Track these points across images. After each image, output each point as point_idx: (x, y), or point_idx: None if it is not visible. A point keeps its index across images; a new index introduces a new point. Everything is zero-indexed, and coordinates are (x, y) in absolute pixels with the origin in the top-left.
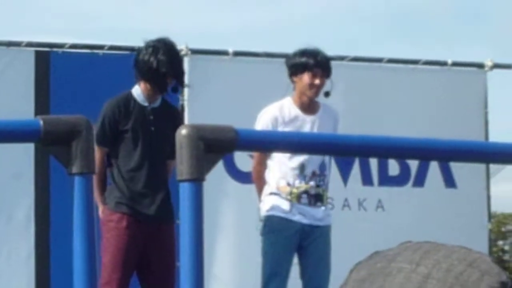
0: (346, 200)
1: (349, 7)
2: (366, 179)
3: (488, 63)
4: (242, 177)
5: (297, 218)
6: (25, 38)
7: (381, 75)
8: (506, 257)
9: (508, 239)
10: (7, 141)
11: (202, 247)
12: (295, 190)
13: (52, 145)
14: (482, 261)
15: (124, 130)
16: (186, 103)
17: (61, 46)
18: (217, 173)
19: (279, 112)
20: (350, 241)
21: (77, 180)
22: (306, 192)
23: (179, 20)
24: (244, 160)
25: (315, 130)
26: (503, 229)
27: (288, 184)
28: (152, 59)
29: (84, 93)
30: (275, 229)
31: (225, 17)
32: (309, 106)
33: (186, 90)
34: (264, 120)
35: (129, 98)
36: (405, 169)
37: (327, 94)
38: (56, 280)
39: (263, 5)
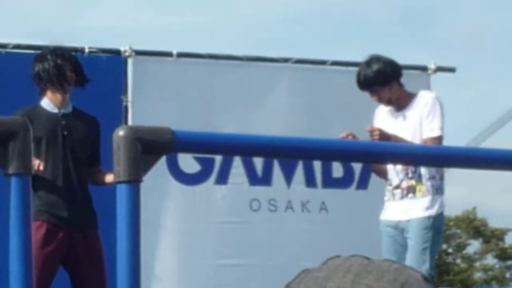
0: (289, 202)
1: (297, 10)
2: (310, 181)
3: (432, 66)
4: (185, 178)
5: None
6: None
7: (325, 77)
8: (449, 259)
9: (451, 242)
10: None
11: (139, 248)
12: None
13: None
14: (414, 280)
15: (36, 137)
16: (130, 104)
17: (4, 46)
18: (160, 174)
19: (376, 114)
20: (293, 243)
21: (13, 180)
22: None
23: (122, 21)
24: (187, 161)
25: (400, 128)
26: (447, 232)
27: None
28: (44, 64)
29: (27, 93)
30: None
31: (168, 18)
32: (395, 105)
33: (130, 91)
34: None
35: (37, 107)
36: (348, 172)
37: (388, 103)
38: None
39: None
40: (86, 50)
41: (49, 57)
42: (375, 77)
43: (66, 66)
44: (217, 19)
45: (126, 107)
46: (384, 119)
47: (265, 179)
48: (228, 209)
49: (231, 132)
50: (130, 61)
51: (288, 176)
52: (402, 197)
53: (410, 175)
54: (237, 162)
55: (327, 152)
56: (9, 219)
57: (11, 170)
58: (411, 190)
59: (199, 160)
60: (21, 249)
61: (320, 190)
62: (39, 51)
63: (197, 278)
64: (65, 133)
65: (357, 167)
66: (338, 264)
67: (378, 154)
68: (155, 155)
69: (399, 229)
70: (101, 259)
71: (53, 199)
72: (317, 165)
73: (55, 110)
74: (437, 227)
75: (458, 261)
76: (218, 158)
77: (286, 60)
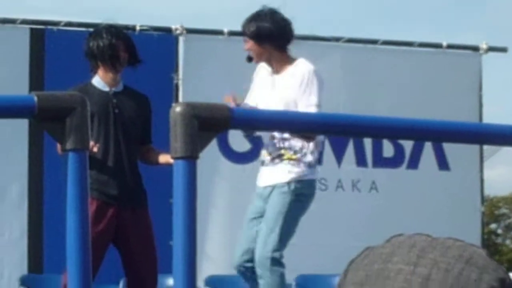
0: (339, 181)
1: None
2: (360, 161)
3: (483, 46)
4: (235, 157)
5: None
6: (21, 16)
7: (376, 57)
8: (499, 240)
9: (501, 223)
10: (2, 117)
11: (195, 224)
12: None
13: (46, 122)
14: (478, 256)
15: None
16: (180, 82)
17: (56, 23)
18: (211, 153)
19: (255, 74)
20: (344, 222)
21: (71, 156)
22: None
23: (174, 1)
24: (238, 140)
25: (274, 91)
26: (496, 213)
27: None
28: (98, 42)
29: (78, 71)
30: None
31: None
32: (272, 67)
33: (180, 70)
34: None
35: (88, 85)
36: (399, 151)
37: (249, 59)
38: (49, 259)
39: None
40: (137, 28)
41: (104, 35)
42: (253, 29)
43: (120, 46)
44: None
45: (177, 85)
46: (261, 80)
47: None
48: None
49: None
50: (181, 39)
51: (339, 155)
52: (270, 164)
53: (281, 144)
54: None
55: (378, 129)
56: (63, 195)
57: (68, 146)
58: (280, 157)
59: (249, 138)
60: (79, 224)
61: (371, 169)
62: (90, 29)
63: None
64: (116, 111)
65: (407, 147)
66: (402, 241)
67: (431, 132)
68: (212, 132)
69: (264, 195)
70: (151, 237)
71: (104, 177)
72: (367, 144)
73: (106, 89)
74: (298, 194)
75: (507, 241)
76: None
77: (337, 39)
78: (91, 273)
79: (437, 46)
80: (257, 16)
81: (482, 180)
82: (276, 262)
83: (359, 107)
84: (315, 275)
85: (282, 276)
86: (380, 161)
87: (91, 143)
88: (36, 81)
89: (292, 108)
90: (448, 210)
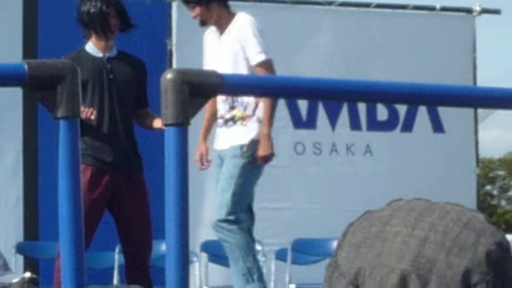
0: (334, 145)
1: None
2: (354, 124)
3: (477, 8)
4: None
5: None
6: None
7: (369, 20)
8: (494, 201)
9: (496, 184)
10: None
11: (187, 191)
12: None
13: (37, 90)
14: (476, 220)
15: (81, 82)
16: (174, 48)
17: None
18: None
19: (205, 39)
20: (338, 185)
21: (62, 124)
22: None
23: None
24: None
25: (223, 50)
26: (490, 174)
27: None
28: (89, 9)
29: (72, 37)
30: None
31: None
32: (217, 28)
33: (174, 36)
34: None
35: (82, 52)
36: (393, 114)
37: (202, 23)
38: (44, 224)
39: None
40: None
41: (93, 2)
42: None
43: (110, 13)
44: None
45: (170, 51)
46: (211, 46)
47: (310, 122)
48: None
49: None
50: (174, 5)
51: (333, 119)
52: (224, 126)
53: (233, 104)
54: (282, 106)
55: (371, 93)
56: (58, 162)
57: (59, 114)
58: (232, 119)
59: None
60: (70, 193)
61: (365, 133)
62: None
63: None
64: (111, 76)
65: (401, 110)
66: (401, 205)
67: (425, 96)
68: (203, 98)
69: (221, 158)
70: (146, 203)
71: (98, 143)
72: (361, 108)
73: (100, 54)
74: (249, 155)
75: (503, 203)
76: None
77: (330, 3)
78: (83, 241)
79: (431, 8)
80: None
81: (476, 142)
82: (233, 222)
83: (353, 71)
84: (310, 239)
85: (243, 233)
86: (374, 125)
87: (88, 109)
88: (30, 48)
89: (240, 63)
90: (443, 173)
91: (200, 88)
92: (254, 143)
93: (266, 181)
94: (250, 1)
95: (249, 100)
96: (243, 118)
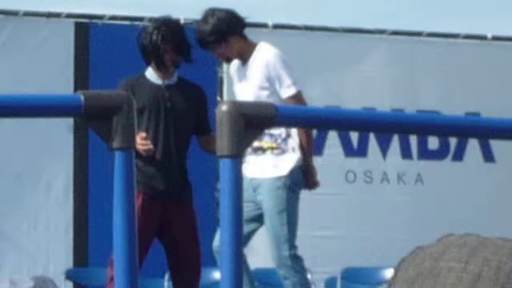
0: (385, 173)
1: None
2: (406, 153)
3: None
4: None
5: None
6: (65, 9)
7: (421, 48)
8: None
9: None
10: (49, 116)
11: (241, 221)
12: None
13: (93, 120)
14: None
15: (138, 108)
16: (225, 76)
17: (100, 17)
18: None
19: (231, 69)
20: (389, 214)
21: (117, 155)
22: None
23: None
24: None
25: (246, 81)
26: None
27: None
28: (145, 42)
29: (123, 65)
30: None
31: None
32: (240, 59)
33: (224, 63)
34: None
35: (142, 77)
36: (444, 143)
37: (227, 60)
38: (94, 251)
39: None
40: (182, 22)
41: (150, 36)
42: (210, 34)
43: (167, 49)
44: None
45: (221, 78)
46: (235, 78)
47: (361, 151)
48: (323, 181)
49: (325, 103)
50: None
51: (384, 148)
52: (253, 154)
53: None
54: (333, 134)
55: (423, 126)
56: (108, 189)
57: (115, 145)
58: (260, 149)
59: None
60: (125, 223)
61: (416, 161)
62: (135, 23)
63: None
64: (168, 105)
65: (452, 139)
66: (453, 240)
67: (473, 128)
68: (257, 130)
69: (254, 186)
70: (195, 230)
71: (151, 171)
72: (412, 137)
73: (159, 82)
74: (291, 185)
75: None
76: (314, 130)
77: (381, 31)
78: (138, 270)
79: (482, 38)
80: (204, 21)
81: None
82: (295, 258)
83: (404, 99)
84: (361, 268)
85: (304, 270)
86: (425, 153)
87: (146, 142)
88: (81, 75)
89: (263, 95)
90: (494, 202)
91: (255, 120)
92: (292, 173)
93: (316, 209)
94: (300, 29)
95: (279, 131)
96: (272, 148)
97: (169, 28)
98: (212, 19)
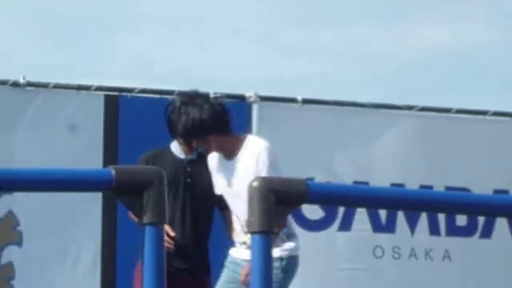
0: (412, 249)
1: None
2: (434, 229)
3: None
4: (309, 224)
5: None
6: (95, 82)
7: (449, 125)
8: None
9: None
10: (79, 190)
11: None
12: None
13: (123, 195)
14: None
15: None
16: None
17: (130, 90)
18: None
19: (211, 161)
20: None
21: (148, 230)
22: None
23: (247, 67)
24: (311, 208)
25: (233, 177)
26: None
27: None
28: (173, 115)
29: (153, 138)
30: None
31: (294, 63)
32: (223, 153)
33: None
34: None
35: (166, 150)
36: (472, 220)
37: (205, 151)
38: None
39: (332, 53)
40: (211, 95)
41: (178, 111)
42: (184, 130)
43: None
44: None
45: None
46: (216, 169)
47: (389, 226)
48: (351, 256)
49: (353, 179)
50: (254, 107)
51: (412, 224)
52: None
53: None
54: (361, 209)
55: (451, 205)
56: (144, 267)
57: (146, 220)
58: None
59: (322, 206)
60: None
61: (444, 238)
62: (164, 96)
63: None
64: (188, 180)
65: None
66: None
67: (501, 207)
68: (288, 206)
69: (242, 265)
70: None
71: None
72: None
73: (182, 156)
74: (287, 270)
75: None
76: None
77: (410, 107)
78: None
79: (511, 115)
80: (184, 113)
81: None
82: None
83: (433, 176)
84: None
85: None
86: (453, 230)
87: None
88: (110, 148)
89: None
90: None
91: (286, 196)
92: (291, 257)
93: (344, 284)
94: (329, 104)
95: None
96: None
97: (192, 105)
98: (190, 117)
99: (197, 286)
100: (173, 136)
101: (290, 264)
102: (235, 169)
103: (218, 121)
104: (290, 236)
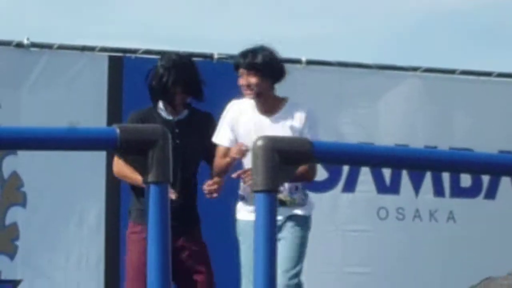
0: (417, 211)
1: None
2: (438, 190)
3: None
4: (312, 185)
5: None
6: (99, 43)
7: (453, 86)
8: None
9: None
10: (84, 149)
11: (275, 255)
12: None
13: (128, 154)
14: None
15: None
16: None
17: (134, 51)
18: None
19: (238, 113)
20: (421, 252)
21: (152, 188)
22: None
23: (254, 29)
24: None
25: (271, 132)
26: None
27: None
28: (152, 82)
29: None
30: None
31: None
32: (264, 107)
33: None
34: (224, 119)
35: (153, 111)
36: (477, 181)
37: (257, 95)
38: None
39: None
40: (215, 57)
41: (160, 78)
42: (263, 63)
43: (176, 90)
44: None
45: None
46: (248, 119)
47: (393, 188)
48: (355, 217)
49: (357, 139)
50: None
51: (416, 185)
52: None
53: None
54: (365, 170)
55: (456, 164)
56: (148, 225)
57: (150, 178)
58: (282, 203)
59: (326, 167)
60: (159, 256)
61: (448, 199)
62: None
63: (324, 285)
64: (177, 141)
65: (485, 177)
66: None
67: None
68: (293, 166)
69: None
70: (206, 259)
71: None
72: (445, 174)
73: (170, 117)
74: (310, 227)
75: None
76: (346, 166)
77: (415, 68)
78: None
79: None
80: (263, 50)
81: None
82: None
83: (438, 137)
84: None
85: None
86: (457, 191)
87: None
88: (114, 109)
89: None
90: None
91: (291, 156)
92: (311, 218)
93: (348, 246)
94: (333, 65)
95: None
96: (293, 202)
97: (179, 69)
98: (272, 55)
99: (189, 239)
100: (156, 101)
101: (311, 222)
102: (275, 126)
103: (283, 72)
104: (307, 195)
